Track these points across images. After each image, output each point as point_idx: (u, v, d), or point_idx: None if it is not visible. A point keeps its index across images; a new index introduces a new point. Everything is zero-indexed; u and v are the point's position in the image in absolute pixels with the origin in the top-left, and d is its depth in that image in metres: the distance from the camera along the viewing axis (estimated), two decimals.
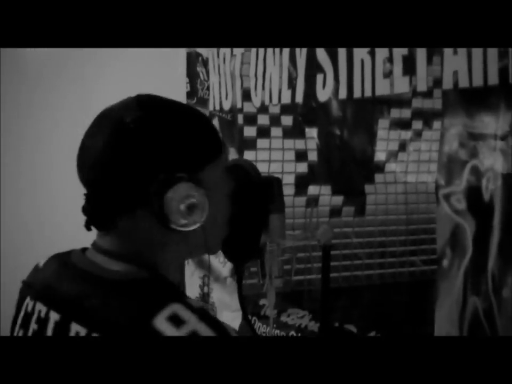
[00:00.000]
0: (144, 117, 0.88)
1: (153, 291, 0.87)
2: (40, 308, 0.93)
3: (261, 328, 1.87)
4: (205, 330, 0.80)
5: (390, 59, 1.45)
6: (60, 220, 2.73)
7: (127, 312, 0.83)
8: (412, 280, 1.45)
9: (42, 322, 0.92)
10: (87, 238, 0.97)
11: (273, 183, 1.12)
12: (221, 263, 2.05)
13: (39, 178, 2.95)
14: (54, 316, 0.91)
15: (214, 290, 2.09)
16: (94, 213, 0.91)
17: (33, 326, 0.94)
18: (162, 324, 0.81)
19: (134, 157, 0.87)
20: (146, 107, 0.90)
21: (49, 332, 0.90)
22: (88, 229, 0.93)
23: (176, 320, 0.81)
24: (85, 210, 0.92)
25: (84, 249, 0.97)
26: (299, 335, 1.73)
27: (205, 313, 0.83)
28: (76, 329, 0.87)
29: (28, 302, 0.96)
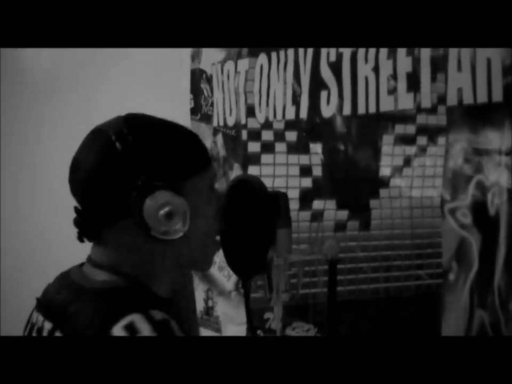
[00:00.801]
0: (126, 130, 0.93)
1: (120, 300, 0.91)
2: (40, 318, 1.00)
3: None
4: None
5: (394, 76, 1.47)
6: (59, 225, 2.73)
7: (94, 319, 0.88)
8: (418, 293, 1.46)
9: (39, 331, 0.98)
10: (85, 244, 1.01)
11: (280, 198, 1.13)
12: (225, 277, 2.06)
13: (39, 181, 2.95)
14: (47, 325, 0.97)
15: (218, 304, 2.10)
16: (83, 225, 0.97)
17: (34, 335, 1.00)
18: (118, 332, 0.85)
19: (116, 168, 0.92)
20: (131, 121, 0.96)
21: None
22: (81, 240, 0.98)
23: (131, 330, 0.85)
24: (76, 222, 0.97)
25: (82, 264, 1.02)
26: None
27: (163, 326, 0.87)
28: (58, 335, 0.93)
29: (34, 313, 1.03)
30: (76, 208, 0.97)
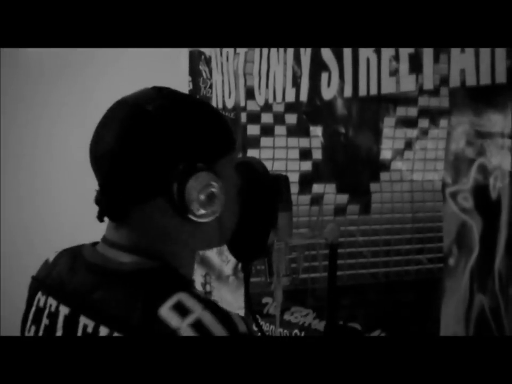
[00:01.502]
0: (166, 106, 0.88)
1: (159, 281, 0.87)
2: (51, 302, 0.93)
3: (264, 327, 1.87)
4: (209, 319, 0.80)
5: (396, 57, 1.45)
6: (59, 221, 2.72)
7: (133, 304, 0.83)
8: (418, 278, 1.45)
9: (53, 316, 0.92)
10: (86, 235, 0.97)
11: (281, 181, 1.11)
12: (223, 262, 2.05)
13: (39, 179, 2.94)
14: (63, 310, 0.91)
15: (216, 288, 2.09)
16: (108, 203, 0.90)
17: (44, 321, 0.94)
18: (167, 313, 0.81)
19: (153, 144, 0.86)
20: (167, 97, 0.90)
21: (59, 326, 0.91)
22: (101, 220, 0.91)
23: (181, 309, 0.81)
24: (98, 201, 0.90)
25: (95, 244, 0.96)
26: (303, 333, 1.73)
27: (210, 302, 0.83)
28: (84, 322, 0.87)
29: (40, 297, 0.96)
30: (100, 184, 0.90)
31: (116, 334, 0.83)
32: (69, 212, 2.51)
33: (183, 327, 0.79)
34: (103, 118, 0.92)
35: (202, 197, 0.86)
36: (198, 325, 0.79)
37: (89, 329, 0.86)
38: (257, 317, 1.68)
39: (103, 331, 0.85)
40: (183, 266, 0.93)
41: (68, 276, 0.94)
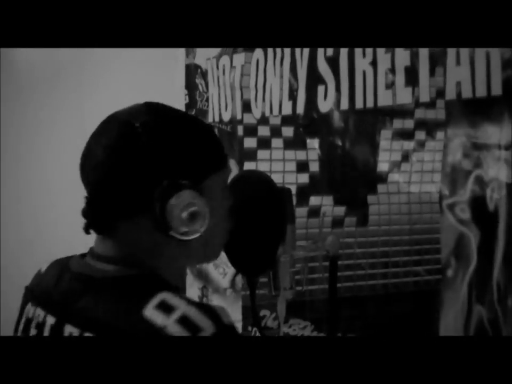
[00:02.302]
0: (153, 122, 0.89)
1: (142, 284, 0.88)
2: (39, 312, 0.94)
3: None
4: (195, 313, 0.80)
5: (392, 70, 1.46)
6: (56, 225, 2.71)
7: (117, 308, 0.84)
8: (416, 290, 1.45)
9: (40, 326, 0.93)
10: (84, 241, 0.97)
11: (285, 194, 1.11)
12: (220, 274, 2.05)
13: (36, 182, 2.94)
14: (49, 320, 0.92)
15: (214, 301, 2.08)
16: (94, 216, 0.91)
17: (32, 331, 0.95)
18: (152, 312, 0.81)
19: (140, 161, 0.87)
20: (155, 113, 0.91)
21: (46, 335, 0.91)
22: (87, 232, 0.92)
23: (165, 307, 0.82)
24: (85, 213, 0.91)
25: (84, 255, 0.97)
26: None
27: (192, 299, 0.84)
28: (69, 330, 0.88)
29: (29, 307, 0.97)
30: (86, 198, 0.91)
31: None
32: (69, 214, 2.50)
33: (170, 324, 0.80)
34: (95, 131, 0.93)
35: (184, 215, 0.87)
36: (184, 320, 0.80)
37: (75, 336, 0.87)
38: (264, 333, 1.68)
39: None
40: (167, 277, 0.93)
41: (54, 286, 0.95)
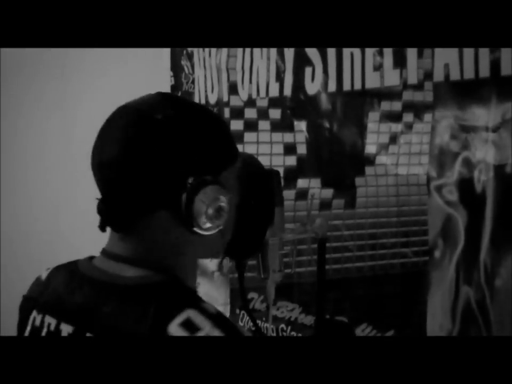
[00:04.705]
0: (175, 116, 0.86)
1: (168, 296, 0.84)
2: (50, 321, 0.90)
3: (250, 322, 1.87)
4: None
5: (380, 52, 1.45)
6: (54, 222, 2.69)
7: (142, 319, 0.81)
8: (404, 271, 1.46)
9: (53, 335, 0.89)
10: (87, 244, 0.94)
11: (273, 176, 1.11)
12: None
13: (34, 182, 2.91)
14: (66, 328, 0.88)
15: (201, 284, 2.09)
16: (112, 213, 0.87)
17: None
18: (176, 330, 0.79)
19: (161, 155, 0.84)
20: (176, 106, 0.88)
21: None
22: (103, 230, 0.89)
23: (190, 326, 0.79)
24: (101, 210, 0.87)
25: (91, 258, 0.94)
26: (289, 328, 1.74)
27: (220, 319, 0.81)
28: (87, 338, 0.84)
29: (35, 316, 0.93)
30: (103, 193, 0.87)
31: None
32: (70, 213, 2.48)
33: None
34: (106, 123, 0.89)
35: (210, 210, 0.85)
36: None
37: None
38: (253, 315, 1.68)
39: None
40: (188, 277, 0.91)
41: (66, 292, 0.91)
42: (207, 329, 0.79)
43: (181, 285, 0.88)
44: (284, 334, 1.75)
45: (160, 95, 0.90)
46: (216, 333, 0.79)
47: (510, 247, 1.24)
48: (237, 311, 1.92)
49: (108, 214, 0.87)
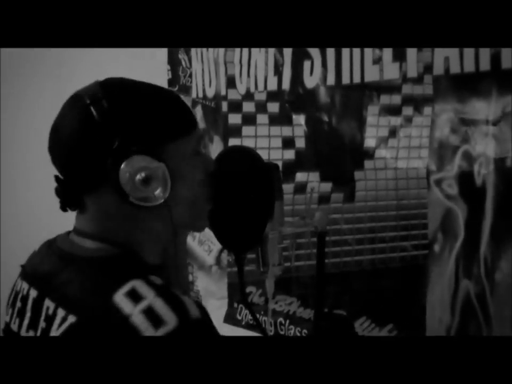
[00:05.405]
0: (101, 94, 0.90)
1: (116, 268, 0.90)
2: (24, 286, 0.97)
3: (248, 316, 1.87)
4: (160, 305, 0.82)
5: None
6: (54, 224, 2.68)
7: (90, 288, 0.87)
8: (403, 265, 1.46)
9: (24, 299, 0.96)
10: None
11: (272, 170, 1.11)
12: (205, 251, 2.04)
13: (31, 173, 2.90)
14: (32, 293, 0.95)
15: (199, 278, 2.08)
16: (64, 194, 0.94)
17: (18, 304, 0.97)
18: (121, 298, 0.83)
19: (92, 135, 0.89)
20: (107, 87, 0.92)
21: (28, 308, 0.94)
22: (64, 210, 0.96)
23: (134, 296, 0.83)
24: (57, 191, 0.95)
25: (69, 232, 1.00)
26: (287, 321, 1.74)
27: (164, 289, 0.85)
28: (47, 304, 0.90)
29: (18, 281, 1.01)
30: (56, 177, 0.95)
31: (70, 316, 0.86)
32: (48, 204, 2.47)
33: (135, 313, 0.81)
34: (59, 112, 0.95)
35: (137, 179, 0.88)
36: (149, 311, 0.81)
37: (50, 311, 0.90)
38: (252, 309, 1.68)
39: (60, 313, 0.87)
40: (146, 251, 0.95)
41: (39, 261, 0.98)
42: (150, 298, 0.82)
43: (134, 259, 0.92)
44: (282, 328, 1.75)
45: (100, 81, 0.94)
46: (159, 301, 0.82)
47: (510, 241, 1.24)
48: (235, 305, 1.92)
49: (59, 193, 0.94)
